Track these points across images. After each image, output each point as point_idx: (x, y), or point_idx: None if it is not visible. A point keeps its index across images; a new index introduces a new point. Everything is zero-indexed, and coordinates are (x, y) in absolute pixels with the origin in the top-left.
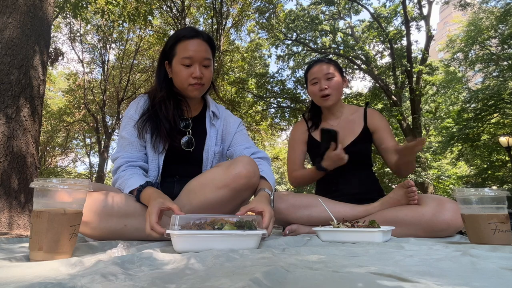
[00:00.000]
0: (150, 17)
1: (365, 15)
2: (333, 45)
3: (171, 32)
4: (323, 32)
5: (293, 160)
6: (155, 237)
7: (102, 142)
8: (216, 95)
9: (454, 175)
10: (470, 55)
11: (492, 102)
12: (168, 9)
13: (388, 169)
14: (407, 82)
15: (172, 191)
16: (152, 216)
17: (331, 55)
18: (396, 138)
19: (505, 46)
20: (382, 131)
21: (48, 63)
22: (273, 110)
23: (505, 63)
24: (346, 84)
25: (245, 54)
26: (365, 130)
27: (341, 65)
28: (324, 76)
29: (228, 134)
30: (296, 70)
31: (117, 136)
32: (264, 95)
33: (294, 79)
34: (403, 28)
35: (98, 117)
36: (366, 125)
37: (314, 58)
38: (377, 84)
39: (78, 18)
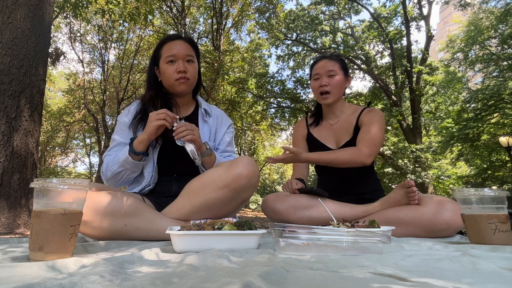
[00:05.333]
0: (150, 17)
1: (365, 15)
2: (333, 45)
3: (171, 32)
4: (323, 32)
5: None
6: (161, 121)
7: (102, 142)
8: (206, 95)
9: (454, 175)
10: (470, 55)
11: (492, 102)
12: (168, 9)
13: (388, 169)
14: (407, 82)
15: (170, 190)
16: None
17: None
18: (396, 138)
19: (505, 46)
20: (365, 125)
21: (48, 63)
22: (273, 110)
23: (505, 63)
24: (349, 83)
25: (245, 54)
26: (356, 130)
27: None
28: (326, 73)
29: (219, 131)
30: (296, 70)
31: None
32: (264, 95)
33: (294, 79)
34: (403, 28)
35: (98, 117)
36: (358, 123)
37: (314, 58)
38: (377, 84)
39: (79, 18)
